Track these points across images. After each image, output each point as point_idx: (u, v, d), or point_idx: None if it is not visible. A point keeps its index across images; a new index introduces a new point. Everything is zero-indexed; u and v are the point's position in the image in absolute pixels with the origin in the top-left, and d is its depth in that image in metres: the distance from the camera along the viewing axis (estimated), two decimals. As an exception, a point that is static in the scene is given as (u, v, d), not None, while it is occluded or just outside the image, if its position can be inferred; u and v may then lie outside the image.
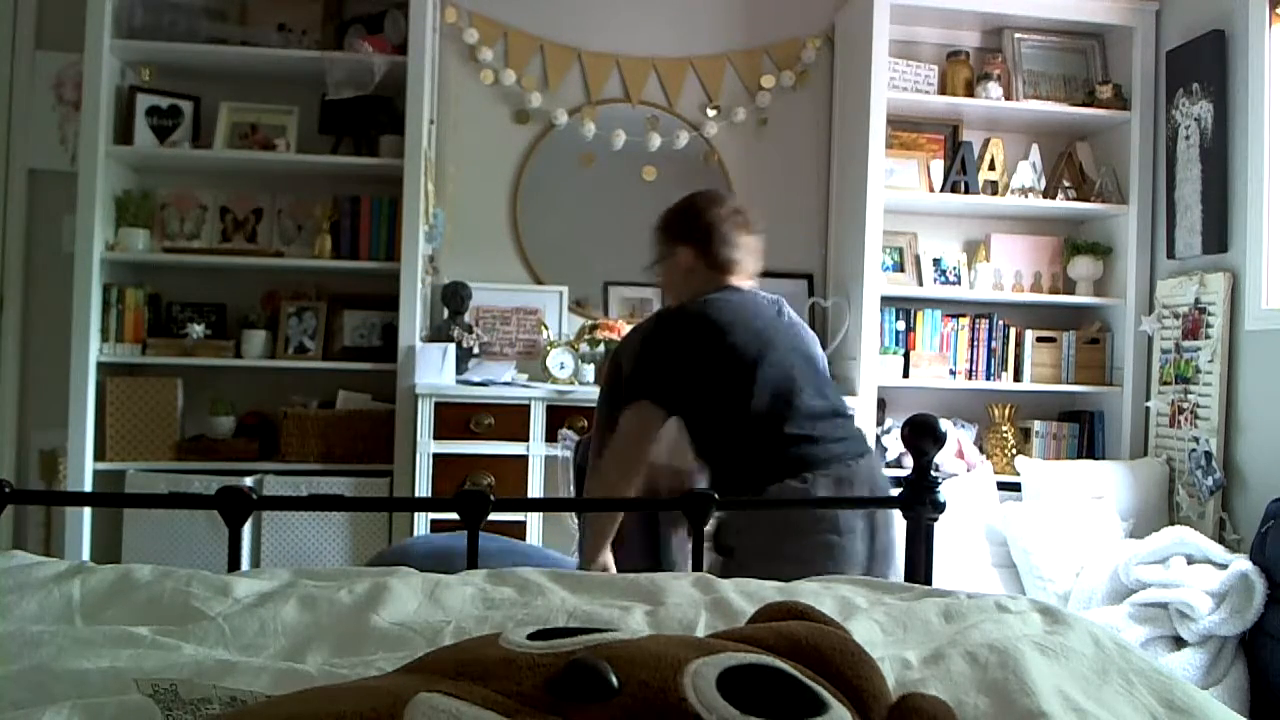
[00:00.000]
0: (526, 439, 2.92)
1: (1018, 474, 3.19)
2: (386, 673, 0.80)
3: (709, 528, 1.58)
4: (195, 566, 1.26)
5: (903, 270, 3.46)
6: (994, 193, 3.40)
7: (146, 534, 2.88)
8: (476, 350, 3.22)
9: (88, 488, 2.88)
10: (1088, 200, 3.43)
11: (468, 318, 3.26)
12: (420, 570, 1.28)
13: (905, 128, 3.43)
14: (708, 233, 2.07)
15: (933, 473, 1.57)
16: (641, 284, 3.46)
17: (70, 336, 2.89)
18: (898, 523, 1.70)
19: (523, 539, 2.85)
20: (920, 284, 3.43)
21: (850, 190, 3.32)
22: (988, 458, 3.33)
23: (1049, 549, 2.86)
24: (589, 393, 2.92)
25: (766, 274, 2.22)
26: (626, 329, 2.84)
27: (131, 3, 3.01)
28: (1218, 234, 3.01)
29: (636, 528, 2.04)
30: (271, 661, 0.95)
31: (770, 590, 1.22)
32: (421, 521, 2.89)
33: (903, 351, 3.33)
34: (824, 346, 2.26)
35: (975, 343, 3.41)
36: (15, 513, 3.09)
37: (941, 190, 3.38)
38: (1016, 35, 3.45)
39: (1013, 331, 3.43)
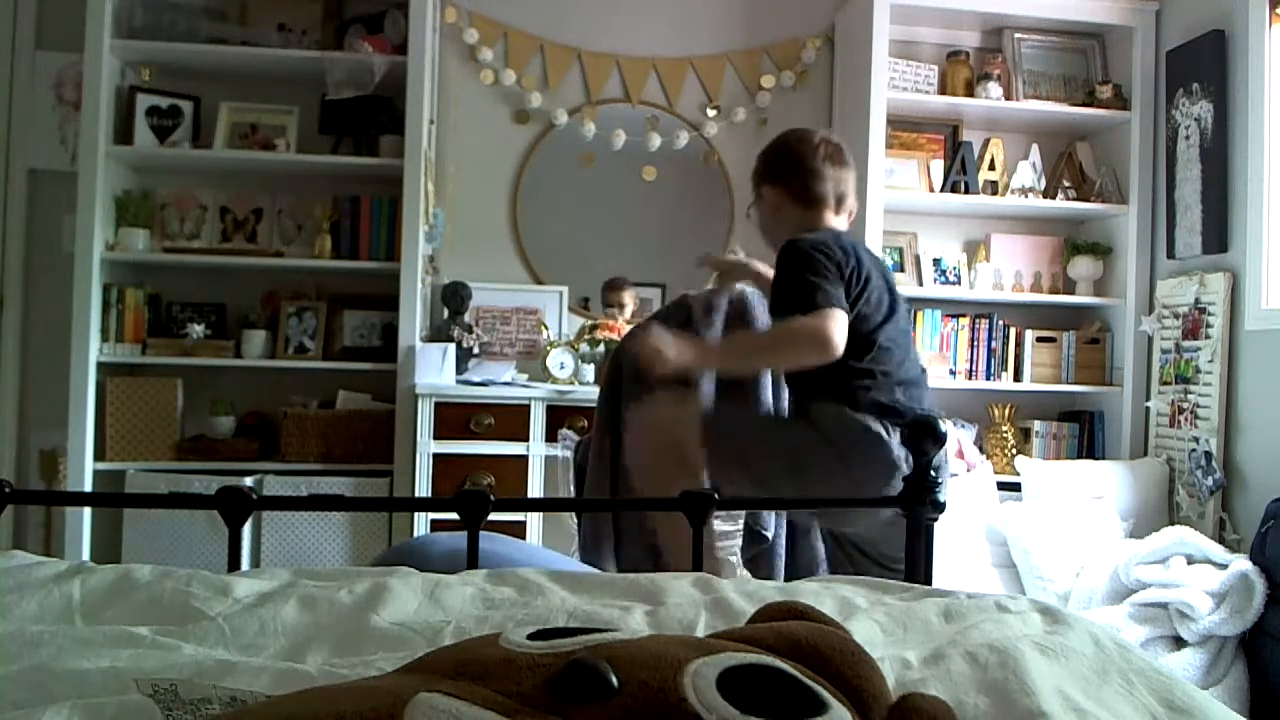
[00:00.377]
0: (526, 439, 2.92)
1: (1018, 474, 3.19)
2: (386, 673, 0.80)
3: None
4: (195, 566, 1.26)
5: (903, 270, 3.46)
6: (994, 193, 3.41)
7: (146, 534, 2.88)
8: (476, 350, 3.22)
9: (88, 488, 2.88)
10: (1088, 200, 3.43)
11: (468, 318, 3.26)
12: (439, 571, 1.28)
13: (905, 128, 3.43)
14: (794, 170, 2.02)
15: (933, 473, 1.57)
16: (642, 284, 3.48)
17: (70, 336, 2.89)
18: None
19: (523, 539, 2.85)
20: (920, 284, 3.43)
21: (850, 190, 3.32)
22: (988, 458, 3.33)
23: (1049, 549, 2.86)
24: (589, 393, 2.92)
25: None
26: (627, 329, 2.84)
27: (131, 3, 3.01)
28: (1218, 234, 3.01)
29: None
30: (271, 661, 0.95)
31: (770, 590, 1.22)
32: (421, 521, 2.89)
33: (903, 351, 3.33)
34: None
35: (975, 343, 3.41)
36: (15, 513, 3.09)
37: (941, 190, 3.38)
38: (1016, 35, 3.45)
39: (1013, 331, 3.43)
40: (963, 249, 3.53)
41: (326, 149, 3.17)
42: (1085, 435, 3.45)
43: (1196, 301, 3.07)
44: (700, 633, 1.03)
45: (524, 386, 3.02)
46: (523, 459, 2.92)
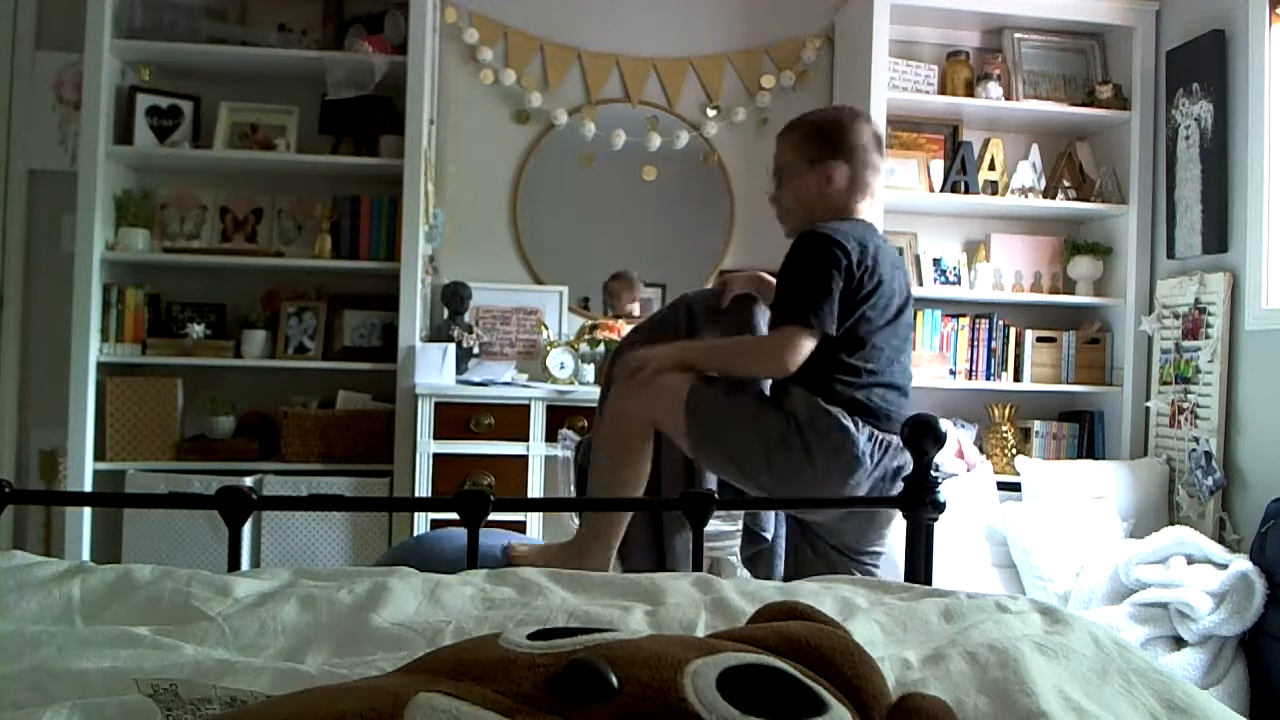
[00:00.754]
0: (526, 439, 2.92)
1: (1018, 474, 3.19)
2: (386, 673, 0.80)
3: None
4: (195, 566, 1.26)
5: (903, 270, 3.46)
6: (994, 193, 3.41)
7: (146, 534, 2.88)
8: (476, 350, 3.22)
9: (88, 488, 2.88)
10: (1088, 200, 3.43)
11: (468, 318, 3.26)
12: (453, 566, 1.28)
13: (905, 128, 3.43)
14: (854, 151, 1.99)
15: (933, 473, 1.57)
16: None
17: (70, 336, 2.89)
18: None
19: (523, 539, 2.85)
20: (920, 284, 3.43)
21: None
22: (988, 458, 3.33)
23: (1049, 549, 2.86)
24: (589, 393, 2.92)
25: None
26: (627, 329, 2.84)
27: (131, 3, 3.01)
28: (1218, 234, 3.01)
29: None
30: (271, 661, 0.95)
31: (770, 590, 1.22)
32: (421, 521, 2.89)
33: (903, 351, 3.33)
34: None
35: (975, 343, 3.41)
36: (15, 513, 3.09)
37: (941, 190, 3.38)
38: (1016, 35, 3.45)
39: (1013, 331, 3.43)
40: (963, 249, 3.53)
41: (326, 149, 3.16)
42: (1085, 435, 3.45)
43: (1196, 301, 3.07)
44: (700, 633, 1.03)
45: (524, 386, 3.02)
46: (523, 459, 2.92)
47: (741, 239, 3.49)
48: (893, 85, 3.28)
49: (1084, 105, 3.41)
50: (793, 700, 0.67)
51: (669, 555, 2.03)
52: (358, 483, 2.98)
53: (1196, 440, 3.04)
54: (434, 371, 2.98)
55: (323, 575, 1.26)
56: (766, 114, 3.51)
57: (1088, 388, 3.41)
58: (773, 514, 2.10)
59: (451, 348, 3.04)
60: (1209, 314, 3.02)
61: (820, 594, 1.19)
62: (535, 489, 2.91)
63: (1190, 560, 2.62)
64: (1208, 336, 3.03)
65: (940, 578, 1.64)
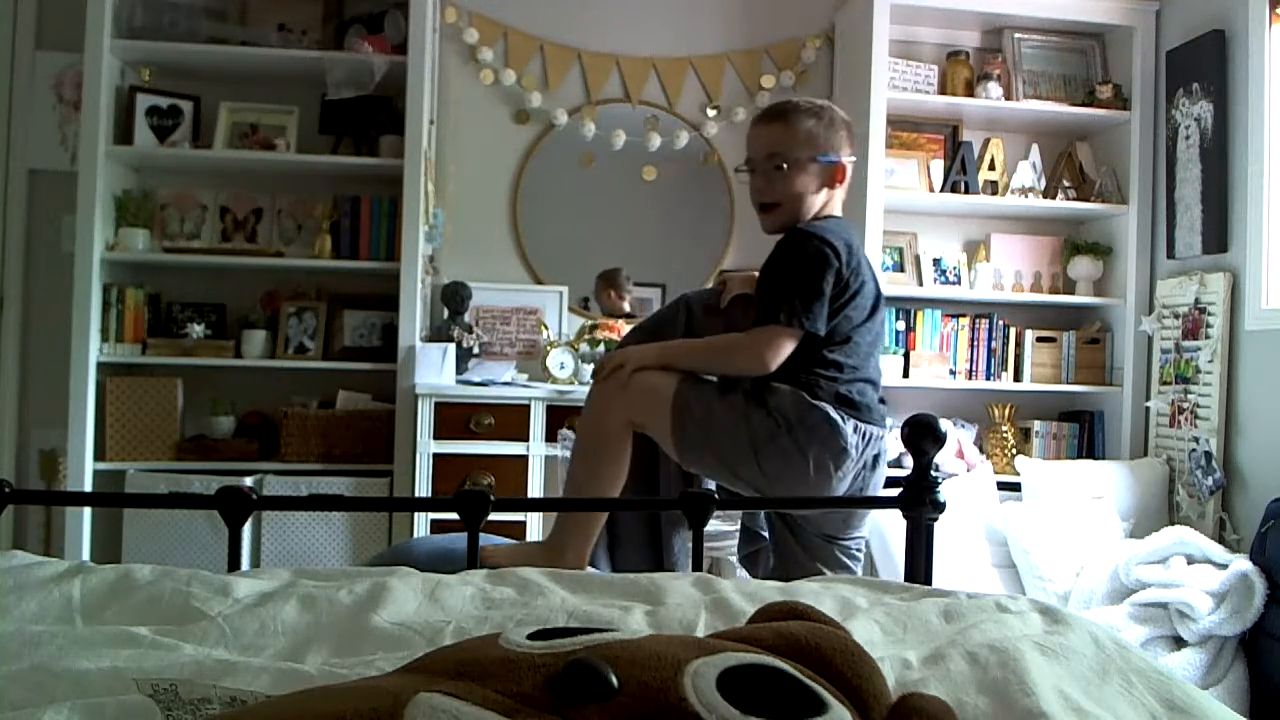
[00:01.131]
0: (526, 439, 2.92)
1: (1018, 474, 3.19)
2: (386, 673, 0.80)
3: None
4: (195, 566, 1.26)
5: (903, 270, 3.46)
6: (994, 193, 3.40)
7: (146, 534, 2.88)
8: (476, 350, 3.22)
9: (88, 488, 2.88)
10: (1088, 200, 3.43)
11: (468, 318, 3.26)
12: (423, 569, 1.28)
13: (905, 128, 3.43)
14: (852, 151, 1.98)
15: (933, 473, 1.57)
16: (642, 284, 3.48)
17: (70, 336, 2.89)
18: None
19: (523, 539, 2.85)
20: (920, 284, 3.43)
21: (850, 190, 3.30)
22: (988, 458, 3.33)
23: (1049, 549, 2.86)
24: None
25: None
26: (627, 329, 2.84)
27: (131, 3, 3.01)
28: (1218, 234, 3.01)
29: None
30: (271, 661, 0.95)
31: (770, 590, 1.22)
32: (421, 521, 2.89)
33: (903, 351, 3.34)
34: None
35: (975, 343, 3.41)
36: (15, 513, 3.09)
37: (941, 190, 3.38)
38: (1016, 35, 3.45)
39: (1013, 331, 3.43)
40: (963, 249, 3.53)
41: (326, 149, 3.17)
42: (1085, 435, 3.45)
43: (1196, 301, 3.07)
44: (700, 633, 1.03)
45: (524, 386, 3.02)
46: (523, 459, 2.92)
47: (741, 239, 3.49)
48: (893, 85, 3.28)
49: (1084, 105, 3.41)
50: (793, 700, 0.67)
51: (667, 556, 2.03)
52: (358, 483, 2.98)
53: (1196, 440, 3.04)
54: (434, 371, 2.98)
55: (323, 575, 1.26)
56: (766, 114, 3.51)
57: (1088, 388, 3.41)
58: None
59: (451, 348, 3.04)
60: (1209, 314, 3.02)
61: (820, 594, 1.19)
62: (535, 489, 2.91)
63: (1190, 560, 2.62)
64: (1208, 336, 3.03)
65: (940, 578, 1.64)
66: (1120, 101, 3.37)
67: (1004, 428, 3.37)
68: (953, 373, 3.39)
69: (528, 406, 2.93)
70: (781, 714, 0.64)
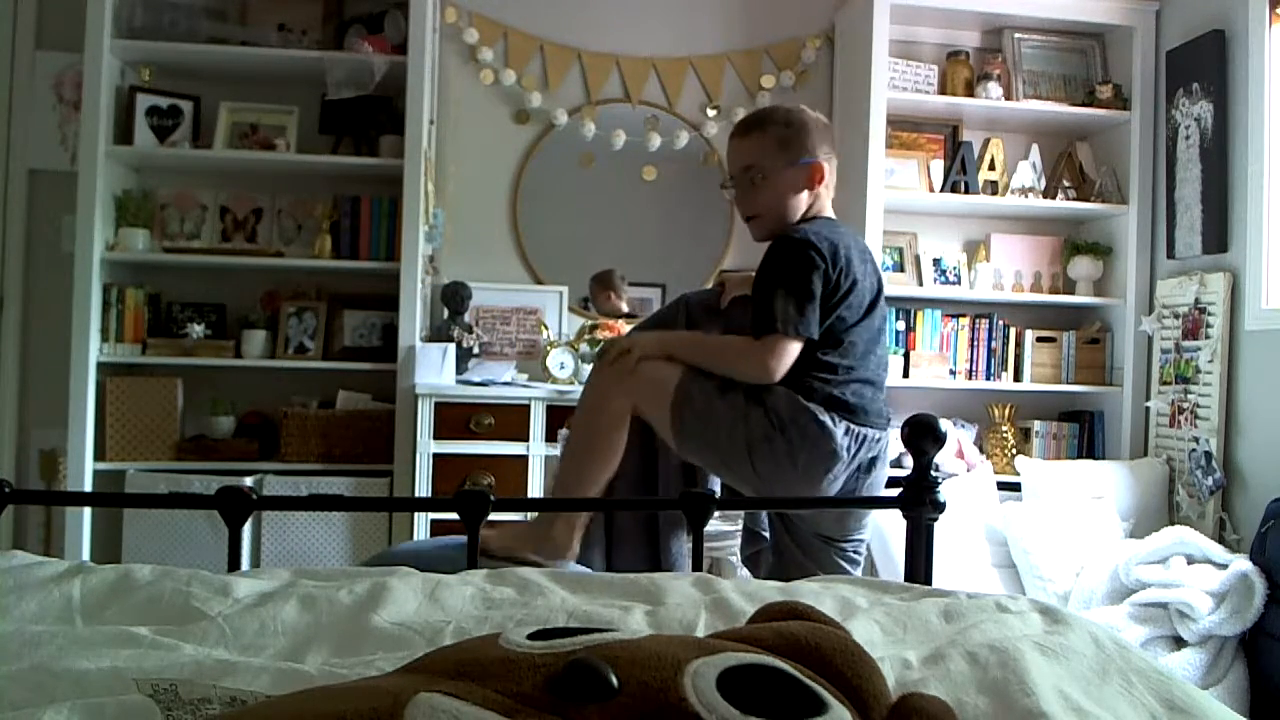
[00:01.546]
0: (526, 439, 2.92)
1: (1018, 474, 3.19)
2: (386, 673, 0.80)
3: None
4: (195, 566, 1.26)
5: (903, 270, 3.46)
6: (994, 193, 3.40)
7: (146, 534, 2.88)
8: (476, 350, 3.22)
9: (88, 488, 2.88)
10: (1088, 200, 3.43)
11: (468, 318, 3.26)
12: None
13: (905, 128, 3.43)
14: (830, 145, 1.98)
15: (933, 473, 1.57)
16: (642, 284, 3.48)
17: (70, 336, 2.89)
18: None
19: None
20: (920, 284, 3.43)
21: (850, 190, 3.32)
22: (988, 458, 3.33)
23: (1049, 549, 2.86)
24: (589, 393, 2.91)
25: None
26: (626, 329, 2.84)
27: (131, 3, 3.01)
28: (1218, 234, 3.01)
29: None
30: (271, 661, 0.95)
31: (770, 590, 1.22)
32: (422, 521, 2.89)
33: (903, 351, 3.34)
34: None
35: (975, 343, 3.41)
36: (15, 513, 3.09)
37: (941, 190, 3.38)
38: (1016, 35, 3.45)
39: (1013, 331, 3.43)
40: (963, 249, 3.53)
41: (326, 149, 3.17)
42: (1085, 435, 3.45)
43: (1196, 301, 3.07)
44: (700, 633, 1.03)
45: (524, 386, 3.02)
46: (523, 459, 2.92)
47: (741, 239, 3.49)
48: (893, 85, 3.28)
49: (1084, 105, 3.41)
50: (793, 700, 0.67)
51: (665, 556, 2.03)
52: (358, 483, 2.98)
53: (1196, 440, 3.04)
54: (434, 371, 2.98)
55: (323, 575, 1.26)
56: (766, 114, 3.51)
57: (1088, 388, 3.41)
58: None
59: (451, 348, 3.05)
60: (1209, 314, 3.02)
61: (820, 594, 1.19)
62: (535, 489, 2.90)
63: (1190, 560, 2.62)
64: (1208, 336, 3.03)
65: (940, 578, 1.64)
66: (1120, 101, 3.37)
67: (1004, 428, 3.37)
68: (953, 373, 3.39)
69: (528, 406, 2.93)
70: (781, 714, 0.64)
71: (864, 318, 1.93)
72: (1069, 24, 3.41)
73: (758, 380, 1.86)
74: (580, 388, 3.03)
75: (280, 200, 3.27)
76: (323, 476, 2.98)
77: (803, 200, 1.97)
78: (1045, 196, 3.42)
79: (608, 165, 3.44)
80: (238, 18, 3.16)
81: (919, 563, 1.57)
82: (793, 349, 1.84)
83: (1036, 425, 3.43)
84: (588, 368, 3.14)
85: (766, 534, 2.11)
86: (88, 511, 2.93)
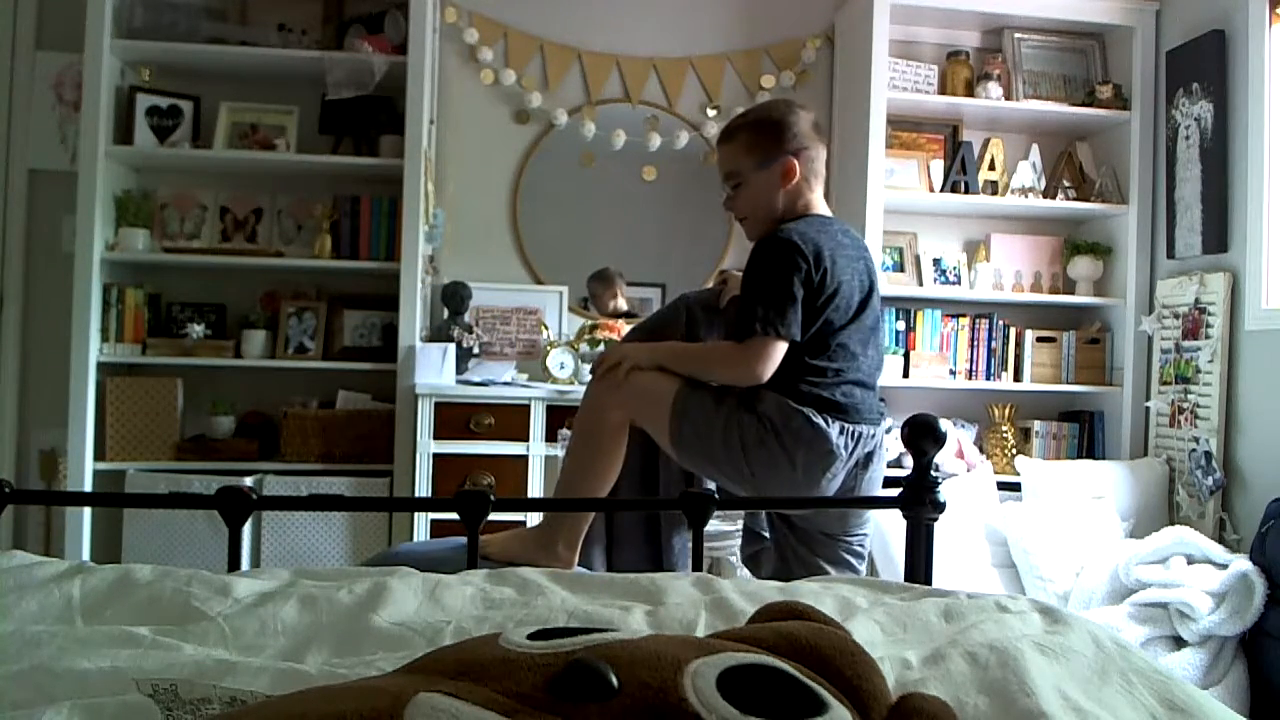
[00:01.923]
0: (526, 439, 2.92)
1: (1018, 474, 3.19)
2: (386, 673, 0.80)
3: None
4: (195, 566, 1.26)
5: (903, 270, 3.46)
6: (994, 193, 3.40)
7: (146, 534, 2.88)
8: (476, 350, 3.22)
9: (88, 488, 2.88)
10: (1088, 200, 3.43)
11: (468, 318, 3.26)
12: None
13: (905, 128, 3.43)
14: (806, 142, 1.98)
15: (933, 473, 1.57)
16: (642, 284, 3.48)
17: (70, 336, 2.89)
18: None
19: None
20: (920, 284, 3.43)
21: (850, 190, 3.32)
22: (988, 458, 3.33)
23: (1049, 549, 2.86)
24: (589, 393, 2.92)
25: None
26: (626, 329, 2.84)
27: (131, 3, 3.01)
28: (1218, 234, 3.01)
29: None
30: (271, 661, 0.95)
31: (770, 590, 1.22)
32: (422, 522, 2.89)
33: (903, 351, 3.34)
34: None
35: (975, 343, 3.41)
36: (15, 513, 3.09)
37: (941, 190, 3.38)
38: (1016, 35, 3.45)
39: (1013, 331, 3.43)
40: (963, 249, 3.53)
41: (326, 149, 3.16)
42: (1085, 435, 3.45)
43: (1196, 301, 3.07)
44: (700, 633, 1.03)
45: (524, 386, 3.02)
46: (523, 459, 2.92)
47: (741, 239, 3.46)
48: (893, 85, 3.28)
49: (1084, 105, 3.41)
50: (793, 700, 0.67)
51: (666, 556, 2.04)
52: (358, 483, 2.98)
53: (1196, 440, 3.04)
54: (434, 371, 2.98)
55: (323, 575, 1.26)
56: (766, 114, 3.51)
57: (1088, 388, 3.41)
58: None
59: (451, 348, 3.04)
60: (1209, 314, 3.02)
61: (820, 594, 1.19)
62: (535, 489, 2.90)
63: (1190, 560, 2.62)
64: (1208, 336, 3.03)
65: (940, 578, 1.64)
66: (1120, 101, 3.37)
67: (1004, 428, 3.37)
68: (953, 373, 3.39)
69: (528, 406, 2.93)
70: (781, 714, 0.64)
71: (853, 319, 1.93)
72: (1069, 24, 3.41)
73: (745, 383, 1.88)
74: (580, 387, 3.04)
75: (280, 200, 3.27)
76: (323, 476, 2.98)
77: (783, 197, 1.99)
78: (1045, 196, 3.42)
79: (608, 165, 3.44)
80: (238, 17, 3.16)
81: (919, 563, 1.57)
82: (777, 349, 1.85)
83: (1036, 425, 3.43)
84: (588, 368, 3.14)
85: (766, 534, 2.11)
86: (88, 511, 2.93)
